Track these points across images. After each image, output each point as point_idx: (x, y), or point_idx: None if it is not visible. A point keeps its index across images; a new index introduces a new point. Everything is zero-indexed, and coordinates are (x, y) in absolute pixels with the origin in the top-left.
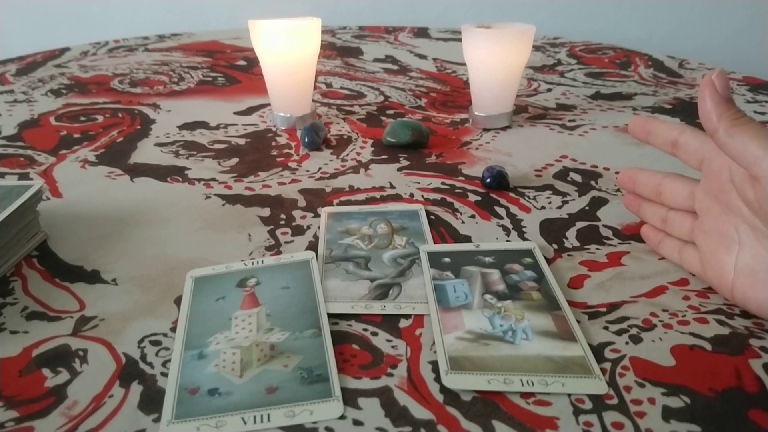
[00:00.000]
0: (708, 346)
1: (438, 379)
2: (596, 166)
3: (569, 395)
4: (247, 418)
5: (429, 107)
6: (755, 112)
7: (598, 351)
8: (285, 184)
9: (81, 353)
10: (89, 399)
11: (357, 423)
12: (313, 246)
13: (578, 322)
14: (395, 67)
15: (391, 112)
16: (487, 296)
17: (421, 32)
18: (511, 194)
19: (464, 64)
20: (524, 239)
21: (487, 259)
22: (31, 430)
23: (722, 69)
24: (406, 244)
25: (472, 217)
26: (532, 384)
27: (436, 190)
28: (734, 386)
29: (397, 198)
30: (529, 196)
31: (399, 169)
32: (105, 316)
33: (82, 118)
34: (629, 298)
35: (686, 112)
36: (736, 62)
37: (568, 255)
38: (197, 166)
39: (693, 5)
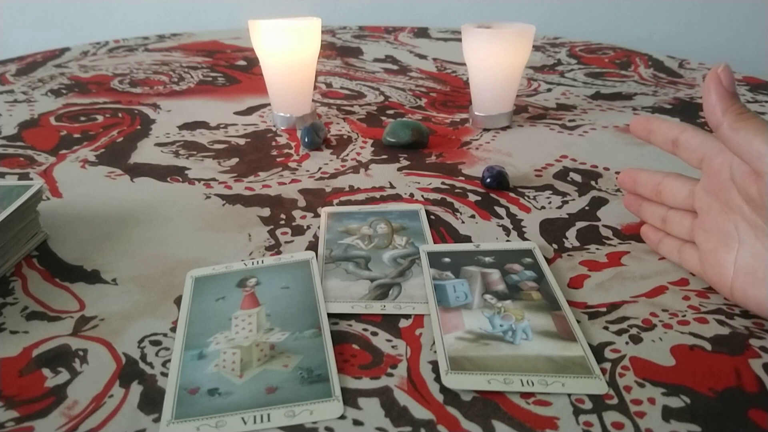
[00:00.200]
0: (708, 346)
1: (438, 379)
2: (596, 166)
3: (569, 395)
4: (247, 418)
5: (429, 107)
6: (755, 112)
7: (598, 351)
8: (285, 184)
9: (81, 353)
10: (89, 399)
11: (357, 423)
12: (313, 246)
13: (578, 322)
14: (395, 67)
15: (391, 112)
16: (487, 296)
17: (421, 32)
18: (511, 194)
19: (464, 64)
20: (524, 239)
21: (487, 259)
22: (31, 430)
23: (728, 64)
24: (406, 244)
25: (472, 217)
26: (532, 384)
27: (436, 190)
28: (734, 386)
29: (397, 198)
30: (529, 196)
31: (399, 169)
32: (105, 316)
33: (82, 118)
34: (629, 298)
35: (686, 112)
36: (736, 62)
37: (568, 255)
38: (197, 166)
39: (693, 5)
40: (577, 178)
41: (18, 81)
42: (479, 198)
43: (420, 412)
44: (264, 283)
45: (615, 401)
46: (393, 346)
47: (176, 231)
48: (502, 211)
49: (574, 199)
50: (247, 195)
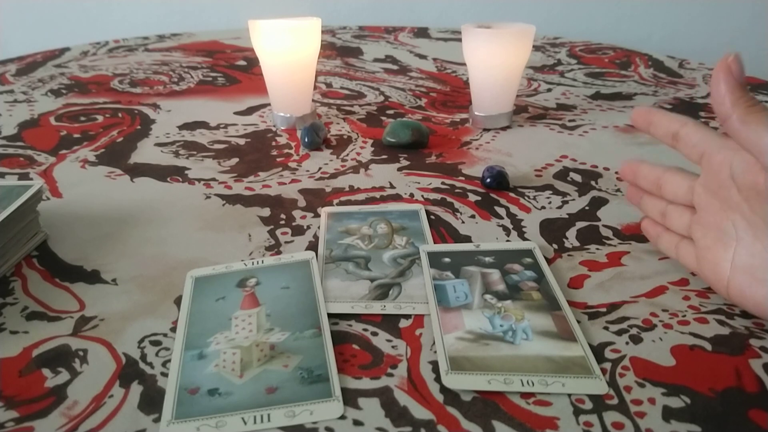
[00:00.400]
0: (708, 346)
1: (438, 379)
2: (596, 166)
3: (569, 395)
4: (247, 418)
5: (429, 107)
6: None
7: (598, 351)
8: (285, 184)
9: (81, 353)
10: (89, 399)
11: (357, 423)
12: (313, 246)
13: (578, 322)
14: (395, 67)
15: (391, 112)
16: (487, 296)
17: (421, 32)
18: (511, 194)
19: (464, 64)
20: (524, 239)
21: (487, 259)
22: (31, 430)
23: (738, 53)
24: (406, 244)
25: (472, 217)
26: (532, 384)
27: (436, 190)
28: (734, 386)
29: (397, 198)
30: (529, 196)
31: (399, 169)
32: (105, 316)
33: (82, 118)
34: (629, 298)
35: (686, 112)
36: None
37: (568, 255)
38: (197, 166)
39: (693, 5)
40: (577, 178)
41: (18, 81)
42: (479, 198)
43: (420, 412)
44: (264, 283)
45: (615, 401)
46: (393, 346)
47: (176, 231)
48: (502, 211)
49: (574, 199)
50: (247, 195)
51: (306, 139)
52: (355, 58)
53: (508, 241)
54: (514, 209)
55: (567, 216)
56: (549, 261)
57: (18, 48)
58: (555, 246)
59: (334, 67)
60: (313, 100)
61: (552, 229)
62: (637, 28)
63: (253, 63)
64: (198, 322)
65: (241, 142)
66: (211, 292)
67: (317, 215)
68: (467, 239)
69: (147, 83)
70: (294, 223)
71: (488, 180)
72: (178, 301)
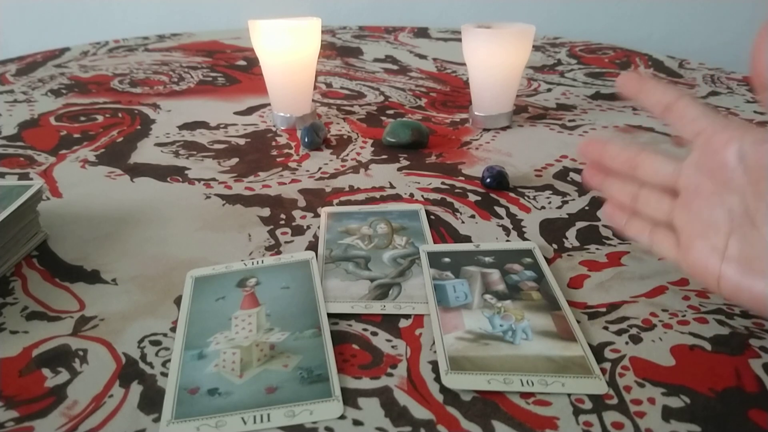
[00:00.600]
0: (708, 346)
1: (438, 379)
2: None
3: (569, 395)
4: (247, 418)
5: (429, 107)
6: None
7: (598, 351)
8: (285, 184)
9: (81, 353)
10: (89, 399)
11: (357, 423)
12: (313, 246)
13: (578, 322)
14: (395, 67)
15: (391, 112)
16: (487, 296)
17: (421, 32)
18: (511, 194)
19: (464, 64)
20: (524, 239)
21: (487, 259)
22: (31, 430)
23: None
24: (406, 244)
25: (472, 217)
26: (532, 384)
27: (436, 190)
28: (734, 386)
29: (397, 198)
30: (529, 196)
31: (399, 169)
32: (105, 316)
33: (82, 118)
34: (629, 298)
35: None
36: (736, 62)
37: (568, 255)
38: (197, 166)
39: (693, 5)
40: (577, 178)
41: (18, 81)
42: (479, 198)
43: (420, 412)
44: (264, 283)
45: (615, 401)
46: (393, 346)
47: (176, 231)
48: (502, 211)
49: (574, 199)
50: (247, 195)
51: (306, 139)
52: (355, 58)
53: (508, 241)
54: (514, 209)
55: (567, 216)
56: (549, 261)
57: (18, 48)
58: (555, 246)
59: (334, 67)
60: (313, 100)
61: (552, 229)
62: (637, 28)
63: (253, 63)
64: (198, 322)
65: (241, 142)
66: (211, 292)
67: (317, 215)
68: (467, 239)
69: (147, 83)
70: (294, 223)
71: (488, 180)
72: (178, 301)
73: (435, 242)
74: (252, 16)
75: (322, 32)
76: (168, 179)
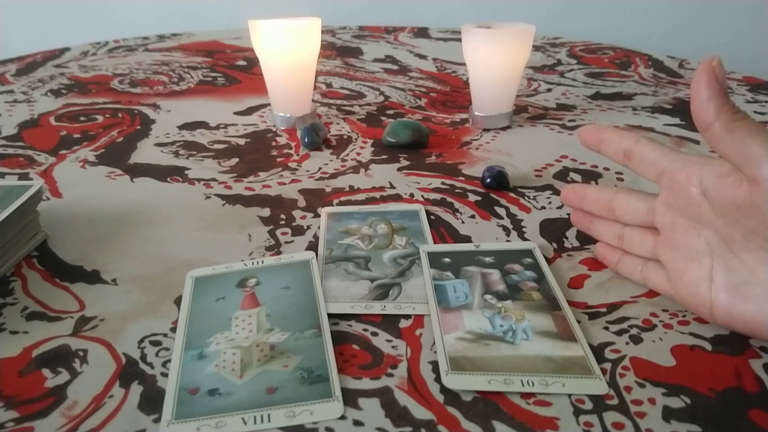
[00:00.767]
0: (708, 346)
1: (438, 379)
2: (596, 166)
3: (569, 395)
4: (247, 418)
5: (429, 107)
6: (755, 112)
7: (598, 351)
8: (285, 184)
9: (81, 353)
10: (89, 399)
11: (357, 423)
12: (313, 246)
13: (578, 322)
14: (395, 67)
15: (391, 112)
16: (488, 296)
17: (421, 32)
18: (511, 194)
19: (464, 64)
20: (524, 239)
21: (487, 259)
22: (31, 431)
23: (720, 57)
24: (406, 244)
25: (472, 217)
26: (533, 384)
27: (436, 190)
28: (734, 386)
29: (397, 198)
30: (529, 196)
31: (399, 169)
32: (105, 316)
33: (82, 118)
34: (629, 298)
35: (686, 112)
36: (736, 62)
37: (568, 255)
38: (197, 166)
39: (693, 5)
40: (577, 178)
41: (18, 81)
42: (479, 198)
43: (420, 412)
44: (264, 283)
45: (615, 401)
46: (393, 347)
47: (176, 231)
48: (502, 211)
49: None
50: (247, 195)
51: (306, 139)
52: (355, 58)
53: (508, 241)
54: (514, 209)
55: (567, 216)
56: (549, 261)
57: (18, 48)
58: (555, 246)
59: (334, 67)
60: (313, 100)
61: (552, 229)
62: (637, 28)
63: (253, 63)
64: (198, 322)
65: (241, 142)
66: (211, 292)
67: (317, 215)
68: (467, 239)
69: (147, 83)
70: (294, 223)
71: (488, 180)
72: (178, 301)
73: (435, 242)
74: (252, 16)
75: (322, 32)
76: (168, 179)
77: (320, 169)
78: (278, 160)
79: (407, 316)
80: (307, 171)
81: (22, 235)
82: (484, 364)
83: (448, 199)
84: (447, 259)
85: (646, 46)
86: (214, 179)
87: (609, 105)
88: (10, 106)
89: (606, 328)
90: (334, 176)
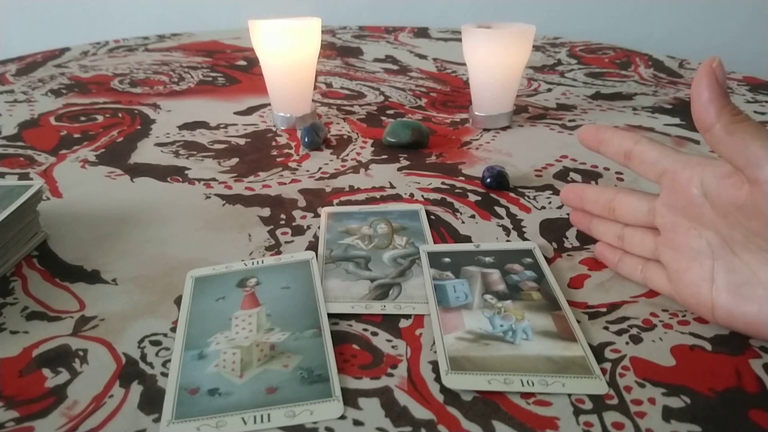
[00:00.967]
0: (708, 346)
1: (438, 379)
2: (596, 166)
3: (569, 395)
4: (248, 418)
5: (429, 107)
6: (755, 112)
7: (598, 351)
8: (285, 184)
9: (81, 353)
10: (89, 399)
11: (357, 423)
12: (313, 246)
13: (578, 322)
14: (395, 67)
15: (391, 112)
16: (488, 296)
17: (421, 32)
18: (511, 194)
19: (464, 64)
20: (524, 239)
21: (487, 259)
22: (31, 430)
23: (720, 58)
24: (406, 244)
25: (472, 217)
26: (533, 384)
27: (436, 190)
28: (734, 386)
29: (397, 198)
30: (529, 196)
31: (399, 169)
32: (105, 316)
33: (82, 118)
34: (629, 298)
35: (686, 112)
36: (736, 62)
37: (568, 255)
38: (197, 166)
39: (693, 5)
40: (577, 178)
41: (18, 81)
42: (479, 198)
43: (420, 412)
44: (264, 283)
45: (615, 401)
46: (393, 346)
47: (176, 231)
48: (502, 211)
49: None
50: (247, 195)
51: (306, 139)
52: (355, 58)
53: (508, 241)
54: (514, 209)
55: (567, 216)
56: (549, 261)
57: (18, 48)
58: (555, 246)
59: (334, 67)
60: (313, 100)
61: (552, 229)
62: (637, 28)
63: (253, 63)
64: (198, 322)
65: (241, 142)
66: (211, 292)
67: (317, 215)
68: (467, 239)
69: (147, 83)
70: (294, 223)
71: (488, 180)
72: (178, 301)
73: (435, 242)
74: (252, 16)
75: (322, 32)
76: (168, 179)
77: (320, 169)
78: (278, 160)
79: (407, 316)
80: (307, 171)
81: (22, 235)
82: (484, 364)
83: (448, 199)
84: (447, 259)
85: (646, 46)
86: (214, 179)
87: (609, 105)
88: (11, 106)
89: (606, 328)
90: (334, 176)
